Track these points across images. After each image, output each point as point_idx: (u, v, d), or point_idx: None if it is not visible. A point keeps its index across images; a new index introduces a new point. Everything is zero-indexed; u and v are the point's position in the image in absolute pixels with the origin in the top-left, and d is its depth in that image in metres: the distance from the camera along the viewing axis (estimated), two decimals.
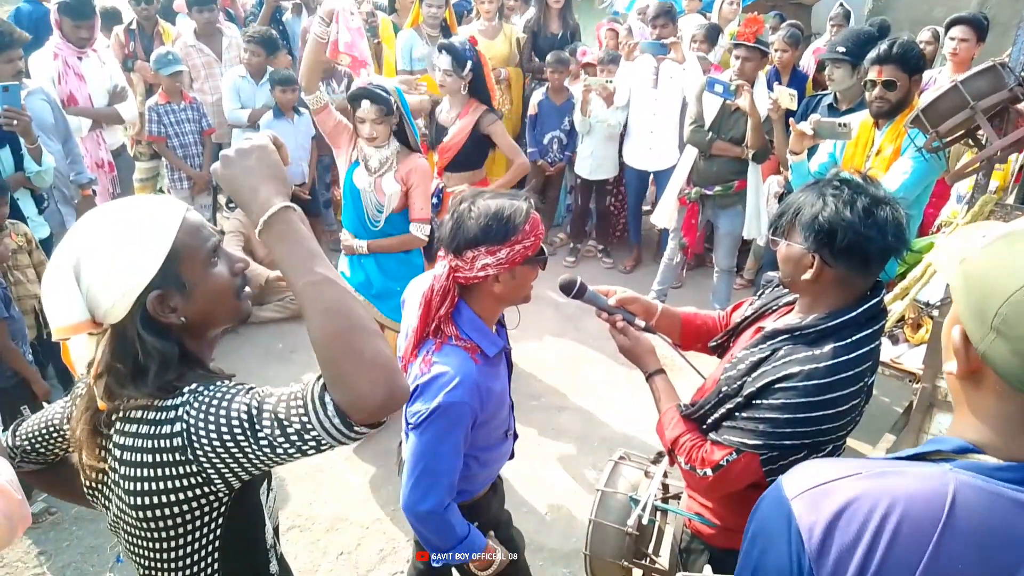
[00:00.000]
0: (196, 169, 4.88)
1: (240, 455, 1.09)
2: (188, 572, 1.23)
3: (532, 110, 5.28)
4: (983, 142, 2.73)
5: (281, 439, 1.07)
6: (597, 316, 1.90)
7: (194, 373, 1.18)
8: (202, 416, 1.09)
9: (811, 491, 0.88)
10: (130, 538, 1.23)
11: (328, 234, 5.77)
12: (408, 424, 1.72)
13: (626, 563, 1.99)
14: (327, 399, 1.03)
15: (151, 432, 1.12)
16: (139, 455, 1.13)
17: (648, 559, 2.04)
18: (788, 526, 0.87)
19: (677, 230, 4.56)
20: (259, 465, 1.12)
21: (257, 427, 1.07)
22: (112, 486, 1.21)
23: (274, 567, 1.39)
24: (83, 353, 1.23)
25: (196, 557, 1.22)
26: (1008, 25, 2.96)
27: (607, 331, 1.89)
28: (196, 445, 1.09)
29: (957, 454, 0.87)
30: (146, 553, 1.22)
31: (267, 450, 1.08)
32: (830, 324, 1.52)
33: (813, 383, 1.47)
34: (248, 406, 1.09)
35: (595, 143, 5.13)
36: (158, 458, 1.11)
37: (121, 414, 1.16)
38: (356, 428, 1.05)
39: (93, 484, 1.26)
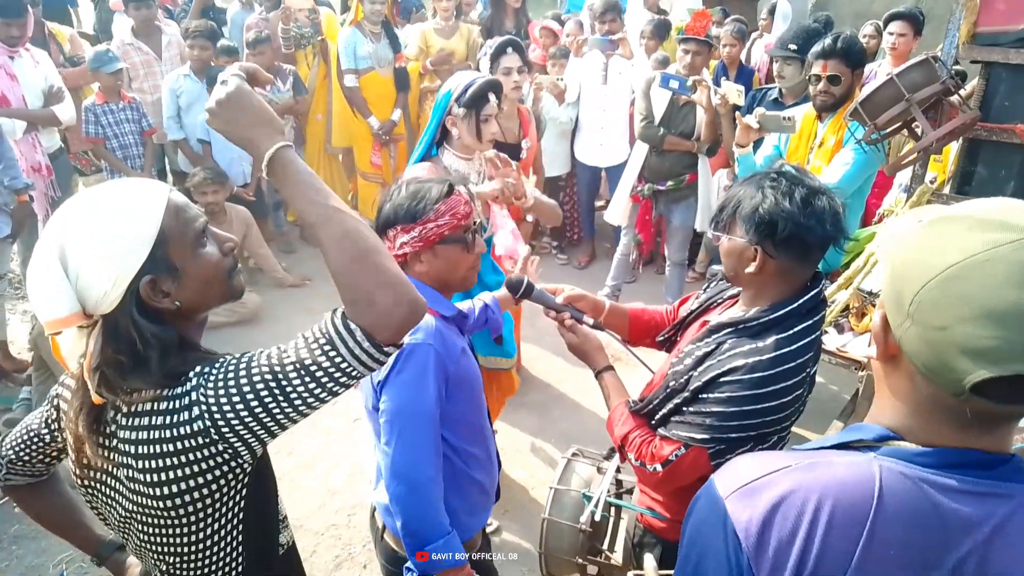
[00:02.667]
0: (137, 171, 4.74)
1: (269, 419, 1.09)
2: (215, 548, 1.22)
3: None
4: (919, 133, 2.81)
5: (313, 386, 1.07)
6: (545, 315, 1.90)
7: (195, 355, 1.16)
8: (222, 393, 1.08)
9: (743, 488, 0.88)
10: (150, 530, 1.19)
11: (279, 236, 5.66)
12: (376, 392, 1.64)
13: (580, 560, 2.00)
14: (352, 326, 1.05)
15: (167, 422, 1.10)
16: (158, 446, 1.11)
17: (603, 555, 2.05)
18: (724, 526, 0.88)
19: (630, 226, 4.59)
20: (290, 422, 1.12)
21: (286, 385, 1.07)
22: (122, 483, 1.17)
23: (284, 538, 1.41)
24: (73, 348, 1.19)
25: (223, 532, 1.22)
26: (942, 19, 3.04)
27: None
28: (221, 423, 1.08)
29: (879, 441, 0.89)
30: (171, 541, 1.20)
31: (299, 403, 1.09)
32: (772, 316, 1.54)
33: (758, 375, 1.49)
34: (270, 367, 1.08)
35: (547, 140, 5.13)
36: (179, 445, 1.10)
37: (124, 409, 1.13)
38: (385, 348, 1.07)
39: (91, 484, 1.23)
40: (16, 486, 1.44)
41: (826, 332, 2.99)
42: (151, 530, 1.19)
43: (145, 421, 1.12)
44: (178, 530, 1.18)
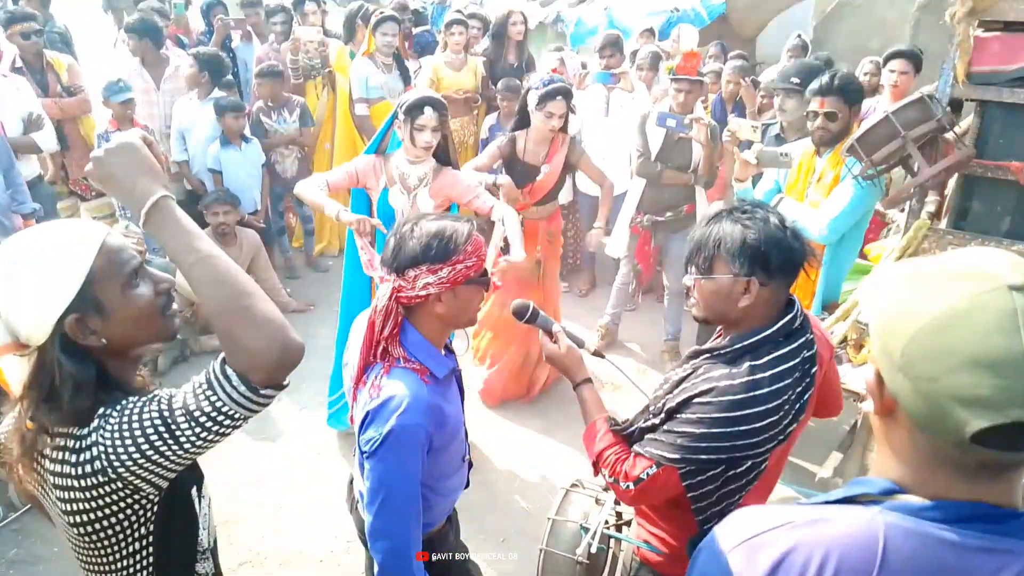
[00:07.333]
0: None
1: (163, 460, 1.15)
2: (127, 572, 1.29)
3: (484, 134, 5.32)
4: (915, 169, 2.85)
5: (199, 429, 1.13)
6: (548, 338, 1.92)
7: (109, 397, 1.20)
8: (117, 437, 1.14)
9: (746, 543, 0.88)
10: (72, 543, 1.28)
11: (284, 262, 5.70)
12: (363, 453, 1.67)
13: None
14: (228, 371, 1.12)
15: (75, 460, 1.16)
16: (68, 480, 1.17)
17: None
18: None
19: (629, 256, 4.63)
20: (185, 461, 1.18)
21: (175, 429, 1.13)
22: (50, 503, 1.24)
23: (202, 568, 1.42)
24: (18, 374, 1.23)
25: (132, 560, 1.29)
26: (938, 55, 3.10)
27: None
28: (116, 464, 1.14)
29: (884, 495, 0.87)
30: (88, 558, 1.29)
31: (189, 446, 1.14)
32: (747, 343, 1.57)
33: (728, 399, 1.51)
34: (160, 413, 1.14)
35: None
36: (84, 483, 1.16)
37: (49, 440, 1.19)
38: (262, 392, 1.13)
39: (37, 488, 1.28)
40: None
41: None
42: (72, 544, 1.28)
43: (62, 456, 1.18)
44: (91, 552, 1.26)
